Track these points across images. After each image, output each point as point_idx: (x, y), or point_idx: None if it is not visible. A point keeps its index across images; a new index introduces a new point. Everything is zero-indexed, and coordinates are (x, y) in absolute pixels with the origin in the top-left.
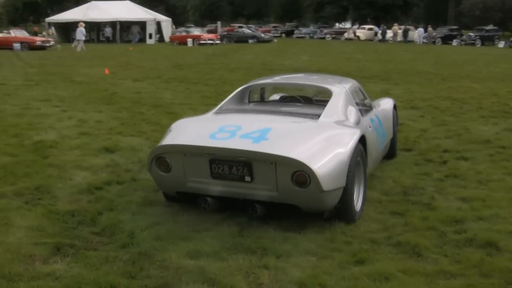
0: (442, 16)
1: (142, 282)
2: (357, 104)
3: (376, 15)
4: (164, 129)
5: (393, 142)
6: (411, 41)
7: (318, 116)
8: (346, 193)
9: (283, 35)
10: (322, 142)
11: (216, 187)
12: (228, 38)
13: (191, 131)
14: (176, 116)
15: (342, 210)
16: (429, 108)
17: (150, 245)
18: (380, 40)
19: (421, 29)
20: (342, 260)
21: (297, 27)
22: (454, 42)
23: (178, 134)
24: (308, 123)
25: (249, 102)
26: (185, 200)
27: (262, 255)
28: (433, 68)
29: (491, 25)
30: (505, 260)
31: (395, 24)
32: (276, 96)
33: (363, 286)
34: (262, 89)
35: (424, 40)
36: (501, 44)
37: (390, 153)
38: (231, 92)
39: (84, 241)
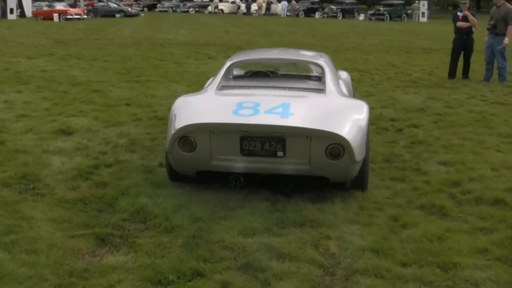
0: None
1: (221, 264)
2: None
3: None
4: (103, 108)
5: None
6: (274, 14)
7: (320, 90)
8: (365, 163)
9: (145, 9)
10: (343, 115)
11: (245, 164)
12: (94, 12)
13: (211, 109)
14: (104, 94)
15: (360, 179)
16: None
17: (196, 227)
18: (244, 14)
19: (284, 2)
20: (388, 226)
21: (159, 0)
22: (317, 15)
23: (197, 112)
24: (320, 97)
25: (234, 78)
26: (194, 179)
27: (313, 226)
28: (315, 40)
29: None
30: None
31: None
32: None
33: (428, 248)
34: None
35: (288, 13)
36: (361, 17)
37: None
38: (141, 68)
39: (121, 229)
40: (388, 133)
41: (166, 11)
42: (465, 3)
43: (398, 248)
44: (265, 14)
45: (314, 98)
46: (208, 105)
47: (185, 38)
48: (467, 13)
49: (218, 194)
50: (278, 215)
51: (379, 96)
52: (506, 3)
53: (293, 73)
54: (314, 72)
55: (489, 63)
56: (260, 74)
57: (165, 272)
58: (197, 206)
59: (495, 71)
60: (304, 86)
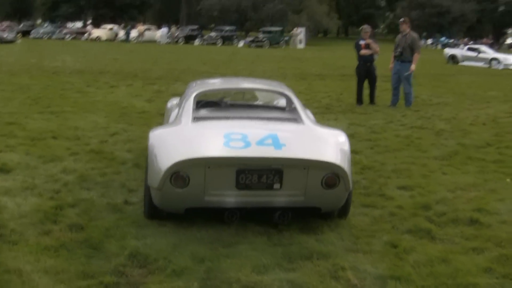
0: (175, 16)
1: None
2: None
3: (114, 14)
4: (30, 142)
5: None
6: (153, 41)
7: (295, 119)
8: (351, 191)
9: (20, 34)
10: (331, 144)
11: (240, 198)
12: None
13: (200, 142)
14: (22, 127)
15: (344, 207)
16: None
17: (205, 268)
18: (123, 40)
19: (164, 29)
20: (391, 252)
21: (33, 26)
22: (196, 42)
23: (188, 146)
24: (301, 127)
25: (199, 108)
26: (170, 216)
27: (319, 258)
28: (207, 67)
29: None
30: (500, 231)
31: (140, 23)
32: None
33: (441, 271)
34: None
35: (168, 40)
36: (241, 44)
37: None
38: (48, 98)
39: (125, 276)
40: None
41: (41, 37)
42: (367, 32)
43: (414, 273)
44: (144, 41)
45: (296, 128)
46: (193, 138)
47: (74, 65)
48: (370, 41)
49: (207, 231)
50: (281, 249)
51: None
52: (412, 32)
53: (256, 103)
54: (274, 101)
55: (396, 89)
56: (224, 105)
57: None
58: (193, 245)
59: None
60: (278, 116)
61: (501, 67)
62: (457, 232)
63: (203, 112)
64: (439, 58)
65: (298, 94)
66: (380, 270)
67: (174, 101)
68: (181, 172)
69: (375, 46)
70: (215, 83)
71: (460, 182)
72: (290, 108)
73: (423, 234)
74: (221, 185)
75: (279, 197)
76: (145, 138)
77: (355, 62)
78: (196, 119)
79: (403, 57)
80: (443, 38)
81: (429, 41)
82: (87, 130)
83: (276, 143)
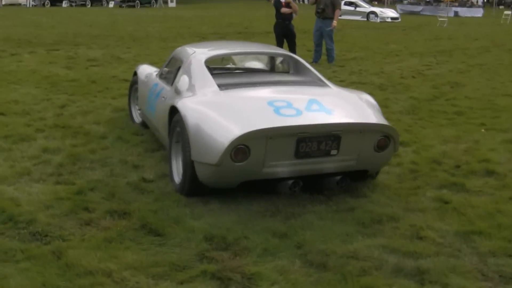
0: None
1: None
2: None
3: None
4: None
5: None
6: (17, 4)
7: (316, 83)
8: None
9: None
10: (371, 106)
11: (298, 167)
12: None
13: (254, 113)
14: None
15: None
16: None
17: (293, 243)
18: None
19: None
20: (448, 208)
21: None
22: (64, 4)
23: (245, 118)
24: (331, 90)
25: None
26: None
27: (391, 221)
28: (97, 30)
29: None
30: None
31: None
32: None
33: (508, 223)
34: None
35: (33, 3)
36: (111, 4)
37: None
38: None
39: (219, 263)
40: None
41: None
42: None
43: (487, 227)
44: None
45: (329, 92)
46: (243, 109)
47: None
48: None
49: (260, 203)
50: (348, 216)
51: None
52: None
53: (258, 68)
54: (263, 65)
55: (318, 46)
56: (232, 71)
57: None
58: (257, 220)
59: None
60: (298, 80)
61: (378, 20)
62: (484, 184)
63: (220, 79)
64: None
65: None
66: (454, 226)
67: (148, 70)
68: (243, 146)
69: (295, 5)
70: (218, 48)
71: (444, 135)
72: (294, 71)
73: (458, 188)
74: (280, 155)
75: (333, 163)
76: (102, 108)
77: (241, 19)
78: (221, 87)
79: (325, 13)
80: None
81: None
82: (29, 104)
83: (323, 108)
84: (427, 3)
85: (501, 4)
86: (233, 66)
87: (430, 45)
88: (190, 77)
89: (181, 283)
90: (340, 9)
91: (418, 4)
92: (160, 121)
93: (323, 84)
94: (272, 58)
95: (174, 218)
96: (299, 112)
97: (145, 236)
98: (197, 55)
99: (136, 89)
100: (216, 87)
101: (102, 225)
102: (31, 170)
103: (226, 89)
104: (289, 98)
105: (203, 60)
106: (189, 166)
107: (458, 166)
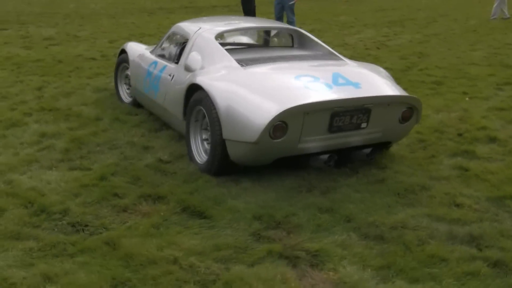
0: None
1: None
2: None
3: None
4: None
5: None
6: None
7: (330, 57)
8: None
9: None
10: (390, 80)
11: (331, 141)
12: None
13: (286, 88)
14: None
15: None
16: None
17: (343, 217)
18: None
19: None
20: (470, 175)
21: None
22: None
23: (281, 94)
24: (349, 64)
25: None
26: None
27: (423, 190)
28: (41, 8)
29: None
30: None
31: None
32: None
33: None
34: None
35: None
36: None
37: None
38: None
39: (279, 242)
40: None
41: None
42: None
43: None
44: None
45: (348, 66)
46: (275, 85)
47: None
48: None
49: (291, 179)
50: (383, 188)
51: None
52: None
53: (272, 43)
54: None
55: (279, 19)
56: (246, 46)
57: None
58: (297, 196)
59: None
60: (311, 54)
61: None
62: (492, 151)
63: (235, 55)
64: None
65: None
66: (484, 192)
67: (138, 48)
68: (282, 123)
69: None
70: (224, 23)
71: (433, 105)
72: (301, 45)
73: (470, 155)
74: (315, 130)
75: (362, 136)
76: (82, 89)
77: None
78: (242, 62)
79: None
80: None
81: None
82: (3, 87)
83: (350, 82)
84: None
85: None
86: (237, 42)
87: (379, 16)
88: (202, 53)
89: (252, 265)
90: None
91: None
92: (169, 100)
93: (337, 58)
94: (277, 33)
95: (213, 199)
96: (329, 86)
97: (191, 219)
98: (205, 30)
99: (124, 68)
100: (236, 63)
101: (141, 211)
102: (38, 157)
103: (248, 66)
104: (313, 72)
105: (214, 36)
106: (219, 145)
107: (460, 134)
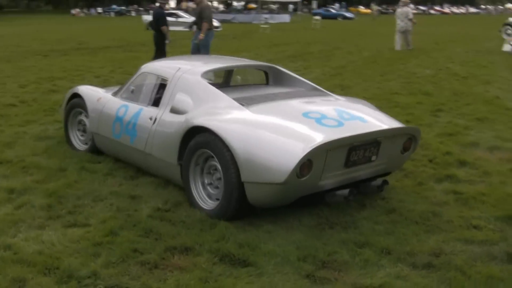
0: None
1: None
2: None
3: None
4: None
5: None
6: None
7: (317, 92)
8: None
9: None
10: (380, 112)
11: (346, 176)
12: None
13: (302, 127)
14: None
15: None
16: None
17: (379, 251)
18: None
19: None
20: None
21: None
22: None
23: (302, 133)
24: (338, 99)
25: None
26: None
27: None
28: None
29: None
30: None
31: None
32: None
33: None
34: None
35: None
36: None
37: None
38: None
39: (336, 283)
40: None
41: None
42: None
43: None
44: None
45: (339, 100)
46: (285, 123)
47: None
48: None
49: (308, 219)
50: (398, 217)
51: None
52: (204, 1)
53: (246, 81)
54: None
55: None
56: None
57: None
58: (324, 234)
59: None
60: (298, 91)
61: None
62: (468, 174)
63: (228, 94)
64: (138, 25)
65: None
66: (490, 213)
67: (95, 92)
68: (307, 161)
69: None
70: (201, 63)
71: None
72: (273, 81)
73: (453, 180)
74: (334, 166)
75: (371, 168)
76: (21, 138)
77: (66, 35)
78: (242, 101)
79: (198, 26)
80: (115, 7)
81: (99, 9)
82: None
83: (354, 117)
84: (238, 11)
85: (296, 10)
86: (214, 81)
87: (276, 51)
88: (191, 94)
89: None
90: (206, 22)
91: (229, 12)
92: (155, 145)
93: (324, 93)
94: (251, 71)
95: (246, 245)
96: (340, 123)
97: (234, 268)
98: (187, 71)
99: (77, 114)
100: (236, 103)
101: (175, 266)
102: (20, 216)
103: (249, 105)
104: (317, 109)
105: (199, 75)
106: (236, 189)
107: (430, 161)
